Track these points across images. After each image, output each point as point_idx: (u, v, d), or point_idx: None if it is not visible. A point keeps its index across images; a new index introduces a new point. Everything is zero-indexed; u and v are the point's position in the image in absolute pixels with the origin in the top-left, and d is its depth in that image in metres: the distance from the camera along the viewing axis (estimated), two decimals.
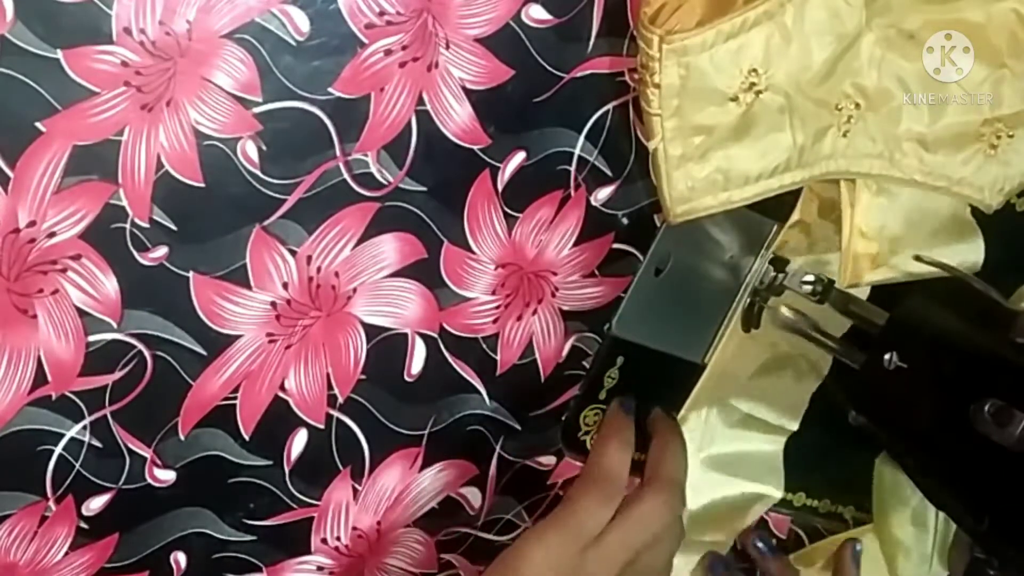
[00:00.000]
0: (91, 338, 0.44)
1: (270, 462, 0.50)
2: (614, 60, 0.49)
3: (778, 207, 0.54)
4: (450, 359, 0.52)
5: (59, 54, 0.39)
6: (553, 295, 0.53)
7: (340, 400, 0.50)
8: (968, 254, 0.56)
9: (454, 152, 0.48)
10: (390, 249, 0.48)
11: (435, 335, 0.51)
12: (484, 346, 0.53)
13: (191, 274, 0.45)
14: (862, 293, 0.56)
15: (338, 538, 0.53)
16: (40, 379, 0.44)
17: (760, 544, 0.56)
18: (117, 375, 0.45)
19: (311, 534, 0.52)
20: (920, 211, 0.54)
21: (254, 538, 0.51)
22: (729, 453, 0.61)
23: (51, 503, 0.46)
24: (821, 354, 0.59)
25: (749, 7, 0.45)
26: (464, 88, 0.47)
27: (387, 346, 0.50)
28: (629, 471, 0.49)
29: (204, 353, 0.46)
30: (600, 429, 0.49)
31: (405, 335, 0.50)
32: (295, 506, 0.51)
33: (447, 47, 0.46)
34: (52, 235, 0.42)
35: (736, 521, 0.62)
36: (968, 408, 0.45)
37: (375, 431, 0.51)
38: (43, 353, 0.43)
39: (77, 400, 0.44)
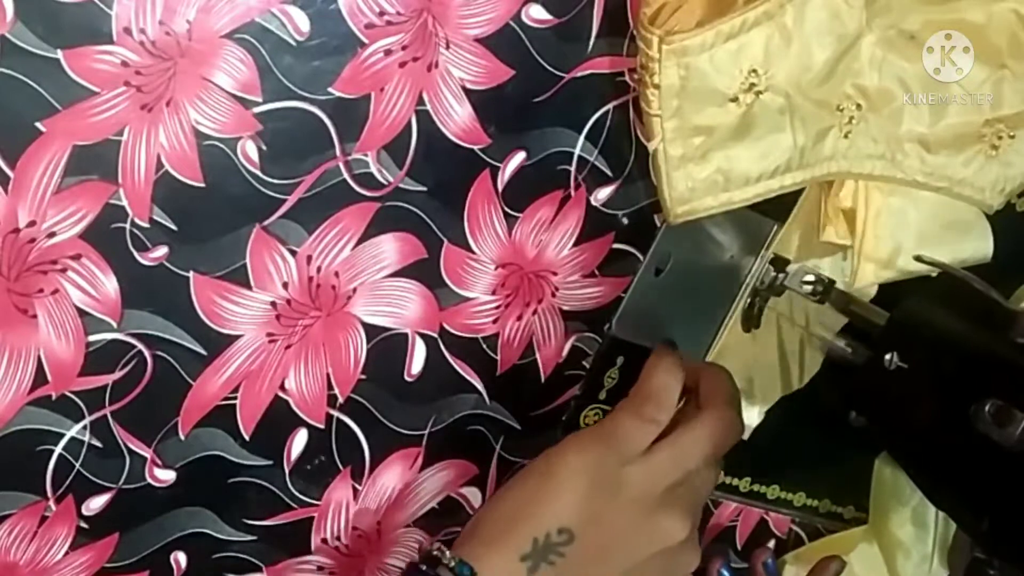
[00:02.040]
0: (91, 338, 0.44)
1: (270, 462, 0.50)
2: (614, 60, 0.49)
3: (778, 207, 0.54)
4: (450, 359, 0.52)
5: (59, 54, 0.39)
6: (553, 295, 0.53)
7: (340, 400, 0.50)
8: (978, 250, 0.56)
9: (454, 152, 0.48)
10: (390, 249, 0.48)
11: (435, 335, 0.51)
12: (484, 346, 0.53)
13: (191, 274, 0.45)
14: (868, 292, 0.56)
15: (338, 538, 0.53)
16: (40, 379, 0.44)
17: (770, 561, 0.56)
18: (117, 375, 0.45)
19: (311, 534, 0.52)
20: (932, 210, 0.54)
21: (254, 538, 0.51)
22: None
23: (51, 503, 0.46)
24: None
25: (749, 8, 0.45)
26: (464, 88, 0.47)
27: (387, 346, 0.50)
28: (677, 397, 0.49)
29: (204, 353, 0.46)
30: (648, 360, 0.49)
31: (405, 335, 0.50)
32: (295, 506, 0.51)
33: (447, 47, 0.46)
34: (52, 235, 0.42)
35: None
36: (968, 408, 0.45)
37: (375, 431, 0.51)
38: (43, 353, 0.43)
39: (77, 400, 0.44)
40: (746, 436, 0.61)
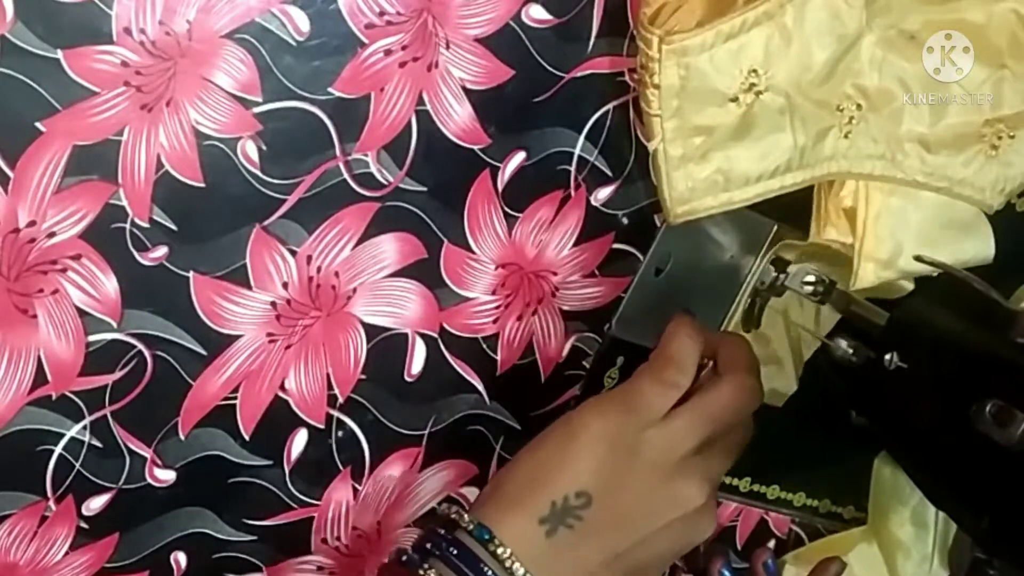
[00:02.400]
0: (91, 338, 0.44)
1: (270, 462, 0.50)
2: (614, 60, 0.49)
3: (778, 207, 0.53)
4: (450, 359, 0.52)
5: (59, 54, 0.39)
6: (553, 295, 0.53)
7: (340, 400, 0.50)
8: (979, 250, 0.56)
9: (454, 152, 0.48)
10: (390, 249, 0.48)
11: (435, 335, 0.51)
12: (484, 346, 0.53)
13: (191, 274, 0.45)
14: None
15: (338, 538, 0.53)
16: (40, 379, 0.44)
17: (770, 562, 0.56)
18: (117, 375, 0.45)
19: (311, 534, 0.52)
20: (932, 210, 0.54)
21: (254, 538, 0.51)
22: None
23: (51, 503, 0.46)
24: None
25: (749, 7, 0.45)
26: (464, 88, 0.47)
27: (387, 346, 0.50)
28: (697, 363, 0.49)
29: (204, 353, 0.46)
30: (667, 327, 0.49)
31: (405, 335, 0.50)
32: (295, 506, 0.51)
33: (447, 47, 0.46)
34: (52, 235, 0.42)
35: None
36: (968, 408, 0.45)
37: (375, 431, 0.51)
38: (43, 353, 0.43)
39: (77, 400, 0.44)
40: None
